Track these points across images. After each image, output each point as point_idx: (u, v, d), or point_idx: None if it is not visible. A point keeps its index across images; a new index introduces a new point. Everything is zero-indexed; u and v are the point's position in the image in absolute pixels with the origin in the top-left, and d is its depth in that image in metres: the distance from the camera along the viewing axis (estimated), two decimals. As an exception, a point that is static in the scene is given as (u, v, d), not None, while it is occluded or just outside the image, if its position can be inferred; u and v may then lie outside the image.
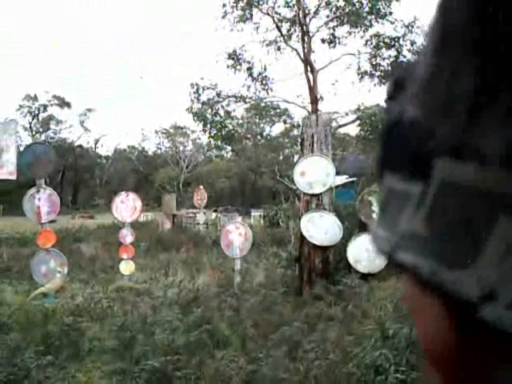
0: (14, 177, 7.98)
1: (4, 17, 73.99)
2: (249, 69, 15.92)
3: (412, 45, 15.11)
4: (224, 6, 15.35)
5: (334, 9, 15.28)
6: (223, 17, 15.62)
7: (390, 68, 15.35)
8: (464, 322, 0.21)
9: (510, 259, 0.19)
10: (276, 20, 15.72)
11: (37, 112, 45.98)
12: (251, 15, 15.66)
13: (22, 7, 72.18)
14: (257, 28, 15.82)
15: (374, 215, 8.05)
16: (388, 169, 0.25)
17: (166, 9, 79.34)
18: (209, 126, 16.36)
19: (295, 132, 31.76)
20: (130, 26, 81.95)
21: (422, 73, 0.23)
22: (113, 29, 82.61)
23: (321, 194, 7.77)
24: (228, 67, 15.94)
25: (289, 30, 16.01)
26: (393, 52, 15.40)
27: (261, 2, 15.46)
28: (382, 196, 0.26)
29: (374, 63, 15.75)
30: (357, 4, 14.80)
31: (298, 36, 15.94)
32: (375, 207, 8.08)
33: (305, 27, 15.65)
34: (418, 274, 0.22)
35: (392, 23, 15.15)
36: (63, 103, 46.26)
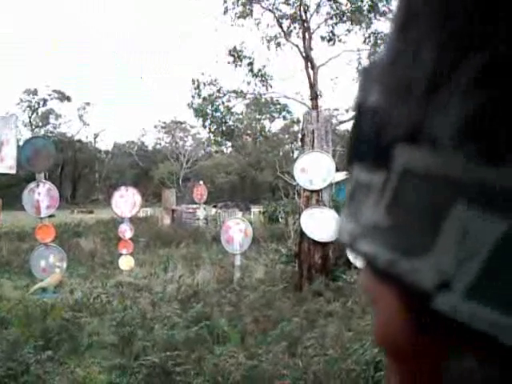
0: (13, 171, 7.96)
1: (4, 17, 73.81)
2: (249, 64, 15.88)
3: None
4: (225, 1, 15.31)
5: (334, 6, 15.25)
6: (224, 13, 15.57)
7: None
8: (420, 311, 0.21)
9: (466, 247, 0.19)
10: (277, 16, 15.68)
11: (36, 106, 45.90)
12: (251, 11, 15.61)
13: (22, 7, 72.01)
14: (257, 24, 15.77)
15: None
16: (354, 160, 0.25)
17: (166, 9, 79.18)
18: (209, 121, 16.35)
19: (295, 128, 31.76)
20: (130, 26, 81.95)
21: (383, 58, 0.23)
22: (113, 29, 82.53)
23: (321, 190, 7.76)
24: (229, 63, 15.90)
25: (289, 27, 15.97)
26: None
27: (261, -2, 15.41)
28: (349, 188, 0.25)
29: (372, 60, 15.75)
30: (358, 2, 14.77)
31: (298, 33, 15.91)
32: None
33: (305, 24, 15.60)
34: (376, 264, 0.22)
35: None
36: (63, 97, 46.17)
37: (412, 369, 0.23)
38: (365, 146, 0.23)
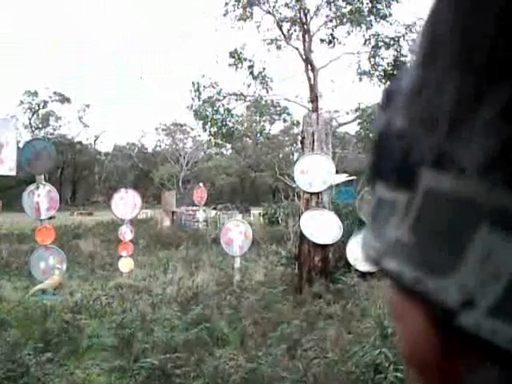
0: (13, 173, 7.97)
1: (4, 17, 73.90)
2: (250, 67, 15.91)
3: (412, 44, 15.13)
4: (226, 4, 15.34)
5: (333, 8, 15.29)
6: (224, 15, 15.60)
7: (389, 68, 15.36)
8: (446, 328, 0.22)
9: (489, 267, 0.20)
10: (277, 19, 15.71)
11: (37, 108, 45.91)
12: (251, 14, 15.65)
13: (22, 7, 72.12)
14: (258, 27, 15.80)
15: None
16: (378, 178, 0.26)
17: (166, 9, 79.37)
18: (209, 124, 16.35)
19: (295, 130, 31.78)
20: (130, 26, 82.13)
21: (408, 85, 0.24)
22: (113, 29, 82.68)
23: (321, 192, 7.77)
24: (229, 65, 15.93)
25: (289, 30, 16.00)
26: (392, 52, 15.41)
27: (261, 1, 15.44)
28: (372, 204, 0.26)
29: (373, 63, 15.77)
30: (357, 4, 14.80)
31: (298, 35, 15.94)
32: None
33: (305, 26, 15.64)
34: (402, 281, 0.23)
35: (391, 24, 15.18)
36: (63, 99, 46.21)
37: (437, 381, 0.24)
38: (389, 166, 0.25)
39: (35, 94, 45.32)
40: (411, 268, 0.22)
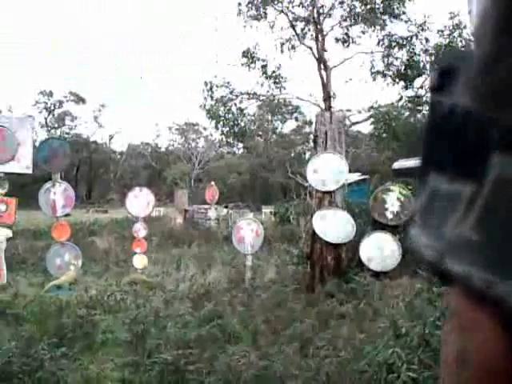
0: (30, 171, 8.10)
1: (4, 17, 74.42)
2: (263, 67, 15.95)
3: (426, 42, 15.01)
4: (239, 4, 15.41)
5: (347, 8, 15.25)
6: (238, 15, 15.67)
7: (402, 68, 15.28)
8: None
9: None
10: (291, 18, 15.71)
11: (52, 108, 46.56)
12: (265, 14, 15.68)
13: (22, 7, 72.63)
14: (271, 26, 15.82)
15: (388, 213, 7.99)
16: (433, 168, 0.22)
17: (166, 9, 79.47)
18: (221, 123, 16.43)
19: (307, 129, 31.67)
20: (130, 26, 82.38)
21: (480, 56, 0.20)
22: (113, 29, 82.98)
23: (334, 191, 7.74)
24: (242, 65, 15.99)
25: (303, 29, 15.99)
26: (405, 51, 15.32)
27: (275, 1, 15.46)
28: (423, 198, 0.23)
29: (386, 62, 15.69)
30: (371, 4, 14.75)
31: (311, 35, 15.93)
32: (388, 205, 8.01)
33: (319, 26, 15.61)
34: (471, 285, 0.20)
35: (406, 22, 15.07)
36: (78, 99, 46.79)
37: None
38: (448, 153, 0.21)
39: (50, 93, 46.00)
40: (480, 270, 0.19)
